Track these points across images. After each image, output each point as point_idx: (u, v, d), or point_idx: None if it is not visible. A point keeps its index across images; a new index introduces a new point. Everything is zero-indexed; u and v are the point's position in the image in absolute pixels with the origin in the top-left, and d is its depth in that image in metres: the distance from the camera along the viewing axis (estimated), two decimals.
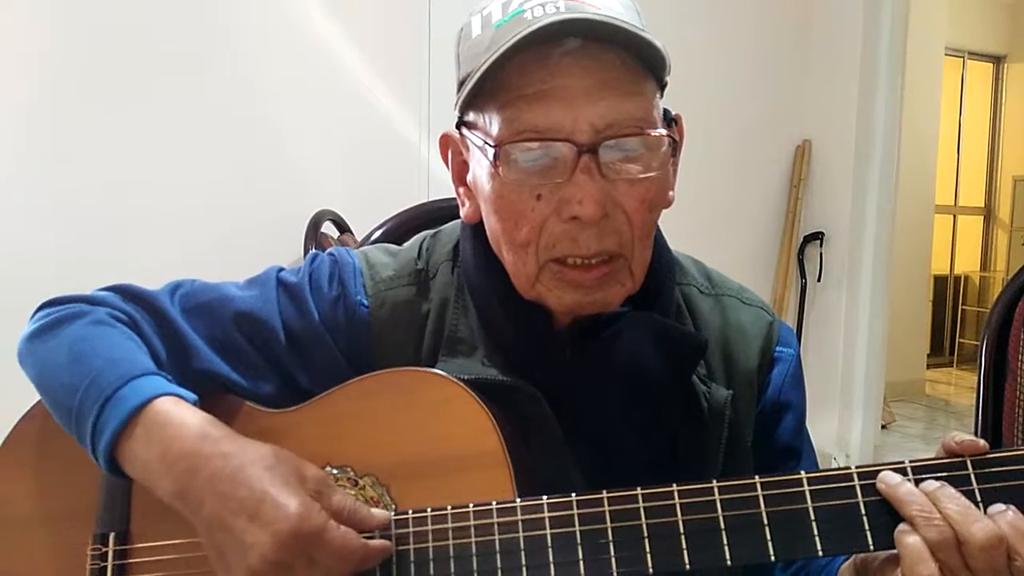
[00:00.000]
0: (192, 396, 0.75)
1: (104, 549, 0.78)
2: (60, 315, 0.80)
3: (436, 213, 1.17)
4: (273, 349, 0.82)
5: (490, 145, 0.72)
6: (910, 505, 0.64)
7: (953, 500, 0.63)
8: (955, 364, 6.13)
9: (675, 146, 0.76)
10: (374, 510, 0.72)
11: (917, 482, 0.65)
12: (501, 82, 0.71)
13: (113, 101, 2.31)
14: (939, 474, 0.65)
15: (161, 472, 0.70)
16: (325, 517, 0.67)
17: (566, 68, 0.70)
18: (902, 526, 0.64)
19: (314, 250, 1.20)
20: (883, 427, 4.03)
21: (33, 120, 2.23)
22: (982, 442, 0.66)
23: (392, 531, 0.72)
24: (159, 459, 0.70)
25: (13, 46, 2.20)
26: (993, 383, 1.23)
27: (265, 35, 2.51)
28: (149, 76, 2.35)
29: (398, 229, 1.19)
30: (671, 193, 0.78)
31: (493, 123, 0.72)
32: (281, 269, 0.86)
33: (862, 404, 3.54)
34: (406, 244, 0.90)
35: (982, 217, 6.33)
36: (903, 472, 0.66)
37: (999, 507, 0.63)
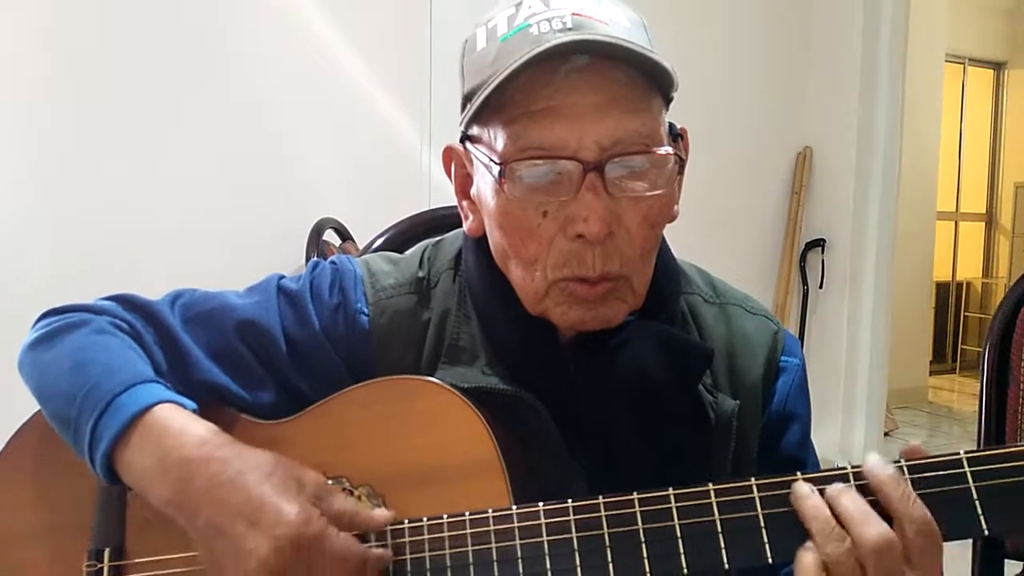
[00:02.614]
0: (191, 404, 0.75)
1: (100, 565, 0.77)
2: (61, 324, 0.79)
3: (437, 221, 1.17)
4: (273, 357, 0.81)
5: (495, 162, 0.71)
6: (812, 521, 0.63)
7: (853, 502, 0.63)
8: (958, 371, 6.12)
9: (681, 163, 0.75)
10: (376, 510, 0.71)
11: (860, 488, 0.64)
12: (506, 98, 0.70)
13: (114, 110, 2.30)
14: (935, 472, 0.65)
15: (157, 479, 0.69)
16: (325, 523, 0.66)
17: (572, 85, 0.69)
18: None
19: (315, 258, 1.20)
20: (886, 434, 4.02)
21: (34, 129, 2.23)
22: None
23: (389, 541, 0.71)
24: (156, 466, 0.69)
25: (14, 52, 2.20)
26: (996, 390, 1.22)
27: (267, 44, 2.51)
28: (151, 86, 2.34)
29: (399, 237, 1.19)
30: (676, 208, 0.77)
31: (498, 139, 0.72)
32: (282, 277, 0.86)
33: (864, 411, 3.53)
34: (408, 252, 0.89)
35: (984, 223, 6.33)
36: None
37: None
